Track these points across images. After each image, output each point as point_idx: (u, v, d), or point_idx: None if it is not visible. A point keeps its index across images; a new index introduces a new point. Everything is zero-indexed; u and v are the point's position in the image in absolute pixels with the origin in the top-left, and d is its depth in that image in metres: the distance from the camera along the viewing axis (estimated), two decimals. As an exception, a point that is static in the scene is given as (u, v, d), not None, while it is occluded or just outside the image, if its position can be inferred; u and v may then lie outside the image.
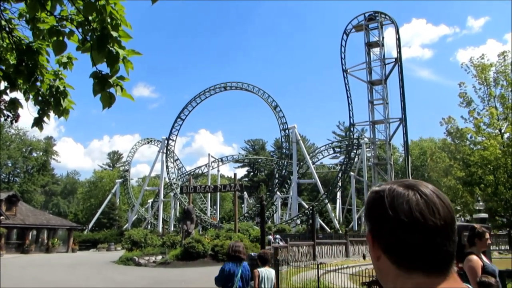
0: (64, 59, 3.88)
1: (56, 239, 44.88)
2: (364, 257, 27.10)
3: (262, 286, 6.30)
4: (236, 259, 6.13)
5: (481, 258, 4.84)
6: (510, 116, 19.19)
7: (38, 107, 3.90)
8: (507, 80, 19.37)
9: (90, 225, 67.74)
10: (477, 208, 17.49)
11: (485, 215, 17.46)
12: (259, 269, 6.42)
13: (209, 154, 71.56)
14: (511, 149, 17.99)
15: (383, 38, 52.58)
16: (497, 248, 27.70)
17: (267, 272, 6.50)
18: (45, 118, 3.93)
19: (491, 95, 19.68)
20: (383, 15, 52.80)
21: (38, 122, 3.89)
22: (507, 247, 28.31)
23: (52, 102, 3.86)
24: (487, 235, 5.11)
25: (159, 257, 27.02)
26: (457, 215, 36.31)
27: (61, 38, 3.23)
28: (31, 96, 3.91)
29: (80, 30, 3.19)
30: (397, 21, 52.67)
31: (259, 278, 6.33)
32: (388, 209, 0.99)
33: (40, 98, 3.88)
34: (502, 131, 19.36)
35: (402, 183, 1.06)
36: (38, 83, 3.72)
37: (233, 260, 6.15)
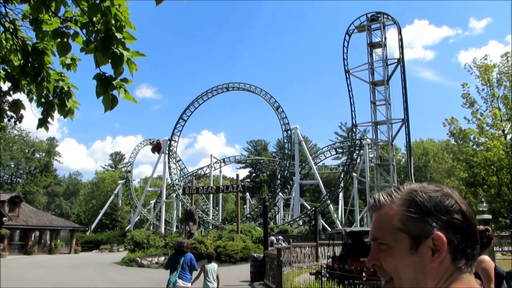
0: (68, 61, 3.88)
1: (58, 240, 44.97)
2: (366, 258, 27.00)
3: (209, 276, 9.08)
4: (180, 252, 8.94)
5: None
6: (513, 117, 19.15)
7: (42, 108, 3.90)
8: (510, 81, 19.31)
9: (93, 226, 67.82)
10: (481, 209, 17.43)
11: (488, 216, 17.39)
12: (206, 265, 9.20)
13: (211, 155, 71.58)
14: (515, 150, 17.94)
15: (385, 38, 52.54)
16: (500, 249, 27.63)
17: (211, 266, 9.28)
18: (49, 119, 3.93)
19: (494, 96, 19.61)
20: (385, 16, 52.75)
21: (42, 123, 3.90)
22: (510, 248, 28.23)
23: (56, 102, 3.86)
24: (491, 235, 5.11)
25: (162, 258, 27.03)
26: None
27: (65, 39, 3.23)
28: (34, 97, 3.91)
29: (84, 31, 3.19)
30: (400, 22, 52.67)
31: (205, 270, 9.07)
32: (466, 211, 1.05)
33: (43, 99, 3.88)
34: (505, 132, 19.30)
35: (441, 185, 1.12)
36: (44, 84, 3.72)
37: (178, 252, 8.97)
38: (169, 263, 8.97)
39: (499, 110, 19.29)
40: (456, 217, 1.03)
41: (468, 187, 19.23)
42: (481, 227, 5.05)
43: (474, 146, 20.30)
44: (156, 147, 66.71)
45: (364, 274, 9.65)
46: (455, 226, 1.02)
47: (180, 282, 8.71)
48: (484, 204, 17.60)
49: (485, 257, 4.80)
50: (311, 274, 14.03)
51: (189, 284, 8.87)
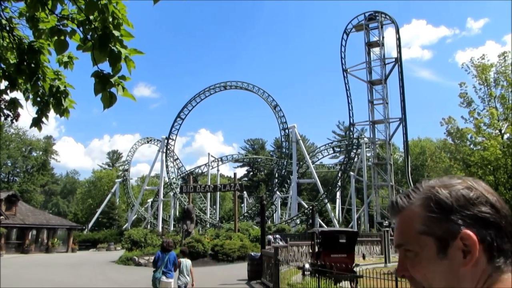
0: (65, 59, 3.86)
1: (56, 239, 44.86)
2: (364, 257, 27.00)
3: (183, 270, 10.15)
4: (166, 250, 9.93)
5: None
6: (510, 117, 19.16)
7: (37, 107, 3.88)
8: (508, 80, 19.34)
9: (90, 224, 67.70)
10: (477, 208, 17.50)
11: (485, 215, 17.45)
12: (181, 259, 10.33)
13: (208, 154, 71.61)
14: (511, 150, 17.97)
15: (383, 38, 52.59)
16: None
17: (185, 262, 10.35)
18: (43, 119, 3.91)
19: (492, 95, 19.64)
20: (383, 15, 52.80)
21: (36, 122, 3.87)
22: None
23: (52, 102, 3.83)
24: None
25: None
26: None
27: (62, 37, 3.21)
28: (31, 96, 3.89)
29: (81, 29, 3.17)
30: (397, 22, 52.72)
31: (181, 265, 10.17)
32: (495, 202, 0.94)
33: (39, 98, 3.85)
34: (502, 131, 19.33)
35: (462, 176, 1.00)
36: (40, 83, 3.70)
37: (164, 250, 9.95)
38: (156, 260, 9.96)
39: (496, 110, 19.33)
40: (484, 210, 0.91)
41: (465, 186, 19.30)
42: None
43: (471, 146, 20.34)
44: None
45: (334, 268, 10.49)
46: (485, 220, 0.90)
47: (164, 278, 9.63)
48: (481, 203, 17.65)
49: None
50: (298, 268, 15.13)
51: (171, 280, 9.83)
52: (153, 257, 27.59)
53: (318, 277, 12.01)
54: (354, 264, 14.59)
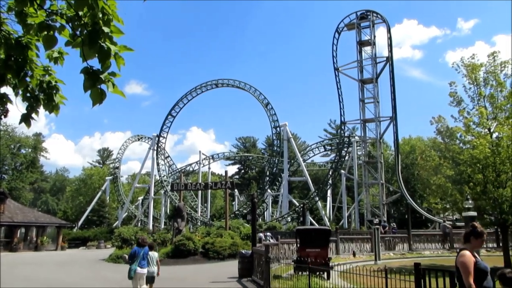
0: (55, 54, 3.81)
1: (45, 237, 44.42)
2: (354, 254, 27.22)
3: (150, 262, 11.60)
4: (141, 245, 11.46)
5: (474, 255, 4.91)
6: (499, 116, 19.37)
7: (27, 103, 3.83)
8: (497, 80, 19.55)
9: (80, 222, 67.25)
10: (466, 206, 17.67)
11: (474, 213, 17.65)
12: (149, 252, 11.70)
13: (200, 152, 71.44)
14: (500, 148, 18.16)
15: (374, 37, 52.87)
16: (485, 246, 28.03)
17: (153, 254, 11.93)
18: (33, 115, 3.86)
19: (481, 94, 19.82)
20: (375, 14, 53.05)
21: (26, 119, 3.82)
22: (495, 245, 28.65)
23: (42, 97, 3.79)
24: (484, 237, 5.20)
25: (149, 255, 26.87)
26: (446, 213, 36.65)
27: (51, 32, 3.17)
28: (20, 92, 3.84)
29: (70, 25, 3.14)
30: (389, 21, 53.00)
31: (150, 256, 11.67)
32: None
33: (28, 94, 3.81)
34: (491, 130, 19.52)
35: None
36: (28, 79, 3.65)
37: (139, 245, 11.49)
38: (132, 255, 11.36)
39: (486, 109, 19.51)
40: None
41: (454, 184, 19.44)
42: (478, 225, 5.22)
43: (461, 144, 20.50)
44: None
45: (308, 260, 11.68)
46: None
47: (139, 269, 11.13)
48: (470, 202, 17.83)
49: (466, 252, 4.90)
50: (293, 260, 16.26)
51: (145, 270, 11.34)
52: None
53: (297, 271, 12.99)
54: (328, 257, 16.68)
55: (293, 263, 14.55)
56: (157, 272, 11.93)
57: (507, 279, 4.99)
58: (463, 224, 21.78)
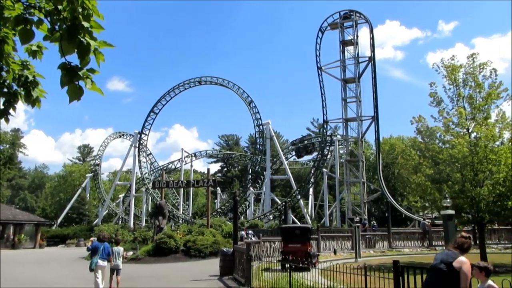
0: (34, 47, 3.73)
1: (22, 235, 43.60)
2: (335, 252, 27.47)
3: (116, 256, 13.42)
4: (101, 241, 12.83)
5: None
6: (477, 116, 19.72)
7: (4, 99, 3.74)
8: (475, 81, 19.89)
9: (59, 220, 66.19)
10: (445, 204, 17.95)
11: (452, 212, 17.94)
12: (113, 248, 13.46)
13: (182, 149, 71.00)
14: (477, 148, 18.50)
15: (357, 36, 53.31)
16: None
17: (118, 249, 13.77)
18: (10, 110, 3.77)
19: (460, 95, 20.15)
20: (358, 14, 53.46)
21: (2, 114, 3.73)
22: (472, 243, 29.22)
23: (20, 92, 3.71)
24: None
25: (130, 253, 26.63)
26: (426, 212, 37.24)
27: (28, 26, 3.10)
28: (-4, 86, 3.75)
29: (49, 19, 3.07)
30: (372, 22, 53.45)
31: (113, 251, 13.29)
32: None
33: (5, 89, 3.72)
34: (470, 130, 19.87)
35: None
36: (4, 73, 3.57)
37: (100, 241, 12.84)
38: (93, 249, 12.65)
39: (464, 110, 19.84)
40: None
41: (434, 183, 19.73)
42: (464, 234, 5.56)
43: (440, 144, 20.80)
44: None
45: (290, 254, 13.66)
46: None
47: (99, 262, 12.41)
48: (448, 200, 18.12)
49: (466, 260, 5.18)
50: (278, 261, 18.12)
51: (105, 263, 12.67)
52: (124, 254, 27.50)
53: (284, 269, 13.80)
54: (308, 251, 18.85)
55: (278, 262, 16.02)
56: (121, 265, 13.84)
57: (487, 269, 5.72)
58: (441, 222, 22.12)
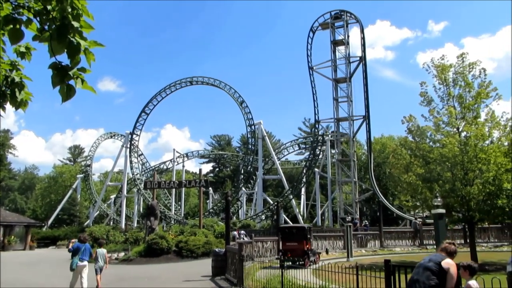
0: (22, 49, 3.69)
1: (12, 237, 43.13)
2: (327, 251, 27.56)
3: (99, 257, 13.99)
4: (82, 242, 13.22)
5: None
6: (467, 116, 19.89)
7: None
8: (465, 81, 20.06)
9: (50, 221, 65.54)
10: (435, 203, 18.08)
11: (442, 211, 18.06)
12: (97, 249, 14.21)
13: (174, 149, 70.77)
14: (468, 147, 18.67)
15: (348, 36, 53.50)
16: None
17: (101, 251, 14.21)
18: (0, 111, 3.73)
19: (450, 95, 20.31)
20: (348, 14, 53.67)
21: (-9, 115, 3.69)
22: (462, 241, 29.50)
23: (8, 94, 3.67)
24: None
25: (122, 254, 26.51)
26: (417, 211, 37.49)
27: (17, 26, 3.07)
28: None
29: (38, 19, 3.04)
30: (363, 22, 53.69)
31: (96, 253, 13.90)
32: None
33: (-5, 89, 3.67)
34: (460, 129, 20.03)
35: None
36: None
37: (81, 242, 13.22)
38: (73, 249, 13.11)
39: (454, 109, 20.01)
40: None
41: (424, 182, 19.86)
42: (448, 241, 5.94)
43: (431, 143, 20.95)
44: None
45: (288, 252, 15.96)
46: None
47: (79, 263, 12.86)
48: (439, 199, 18.25)
49: (453, 262, 5.40)
50: (276, 258, 19.59)
51: (86, 264, 13.05)
52: (115, 254, 27.24)
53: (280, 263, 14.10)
54: (306, 249, 20.08)
55: (277, 259, 17.45)
56: (105, 266, 14.31)
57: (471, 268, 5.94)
58: (432, 221, 22.28)
